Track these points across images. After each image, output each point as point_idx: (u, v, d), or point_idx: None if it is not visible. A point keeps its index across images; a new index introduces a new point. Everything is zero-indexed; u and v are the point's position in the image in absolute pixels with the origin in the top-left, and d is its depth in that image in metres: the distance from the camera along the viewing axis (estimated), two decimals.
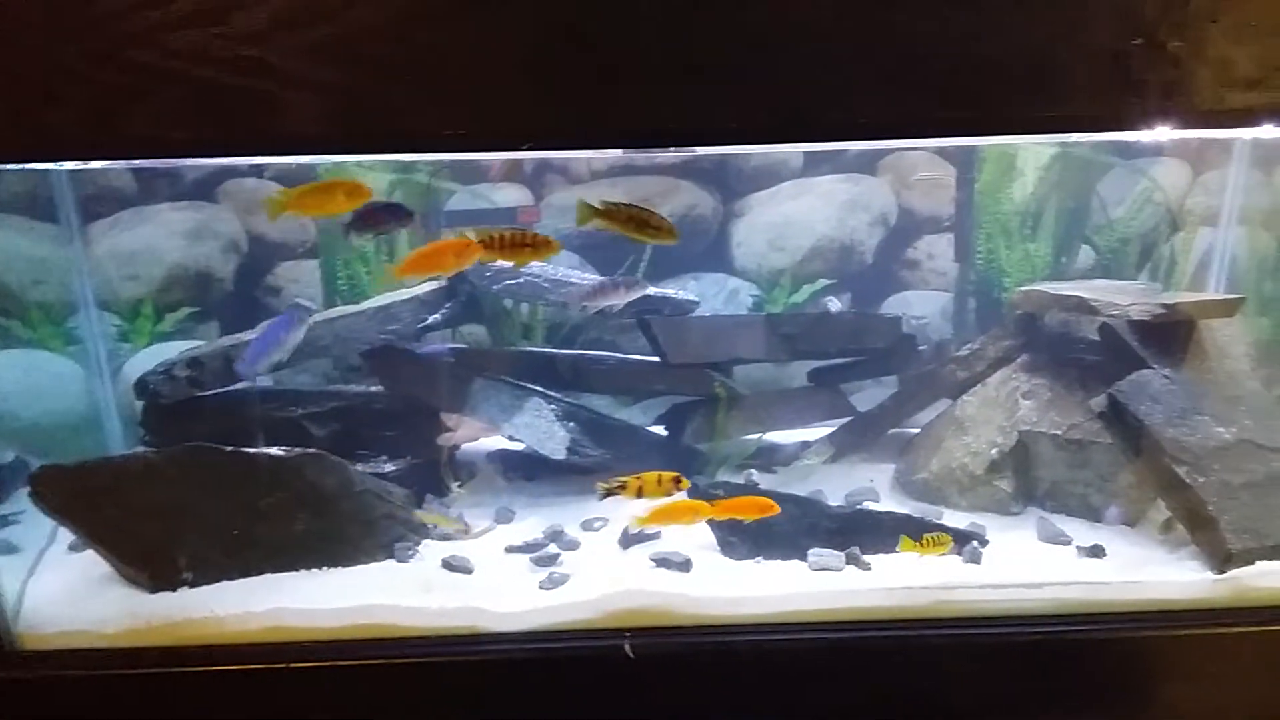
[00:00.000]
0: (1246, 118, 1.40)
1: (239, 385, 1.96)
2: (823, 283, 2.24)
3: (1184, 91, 1.33)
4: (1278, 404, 1.91)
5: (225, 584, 1.77)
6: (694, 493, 1.87)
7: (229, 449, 1.77)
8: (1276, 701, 1.80)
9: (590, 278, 2.07)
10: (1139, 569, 1.80)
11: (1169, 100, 1.33)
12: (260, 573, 1.79)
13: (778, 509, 1.76)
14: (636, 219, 1.63)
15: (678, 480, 1.72)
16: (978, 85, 1.33)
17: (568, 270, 2.09)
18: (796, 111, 1.35)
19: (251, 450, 1.79)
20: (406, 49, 1.29)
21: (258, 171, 2.13)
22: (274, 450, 1.79)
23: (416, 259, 1.73)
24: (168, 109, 1.32)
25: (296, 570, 1.80)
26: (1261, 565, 1.75)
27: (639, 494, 1.72)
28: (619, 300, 1.89)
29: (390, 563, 1.85)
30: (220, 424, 1.93)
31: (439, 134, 1.32)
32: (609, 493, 1.73)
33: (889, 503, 2.04)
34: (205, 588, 1.75)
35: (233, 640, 1.69)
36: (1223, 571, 1.75)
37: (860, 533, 1.85)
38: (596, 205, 1.63)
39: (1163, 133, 1.48)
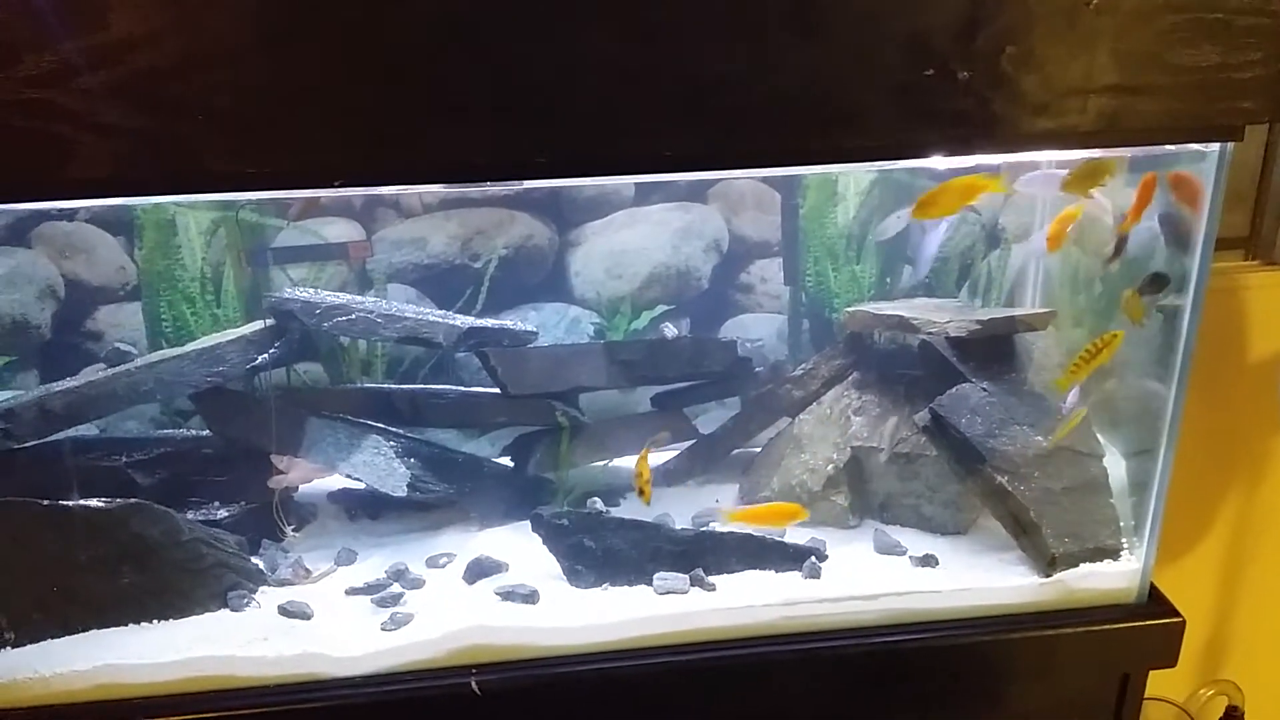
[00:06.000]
0: (1039, 142, 1.47)
1: (59, 435, 1.88)
2: (662, 308, 2.27)
3: (977, 119, 1.39)
4: (1092, 411, 2.00)
5: (50, 642, 1.69)
6: (536, 523, 1.87)
7: (45, 503, 1.69)
8: (1107, 694, 1.88)
9: (427, 312, 2.05)
10: (970, 576, 1.86)
11: (963, 128, 1.40)
12: (86, 629, 1.72)
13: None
14: None
15: None
16: (772, 118, 1.37)
17: (402, 305, 2.07)
18: (599, 146, 1.37)
19: (70, 503, 1.71)
20: (204, 88, 1.26)
21: (69, 215, 2.05)
22: (94, 502, 1.72)
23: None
24: None
25: (125, 625, 1.73)
26: (1085, 567, 1.83)
27: None
28: None
29: (224, 612, 1.78)
30: (39, 477, 1.84)
31: (242, 173, 1.30)
32: None
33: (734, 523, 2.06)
34: (28, 647, 1.67)
35: (59, 700, 1.62)
36: (1048, 575, 1.82)
37: (705, 554, 1.87)
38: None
39: (960, 160, 1.55)
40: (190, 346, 1.98)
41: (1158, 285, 1.75)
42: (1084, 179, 1.71)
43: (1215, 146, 1.58)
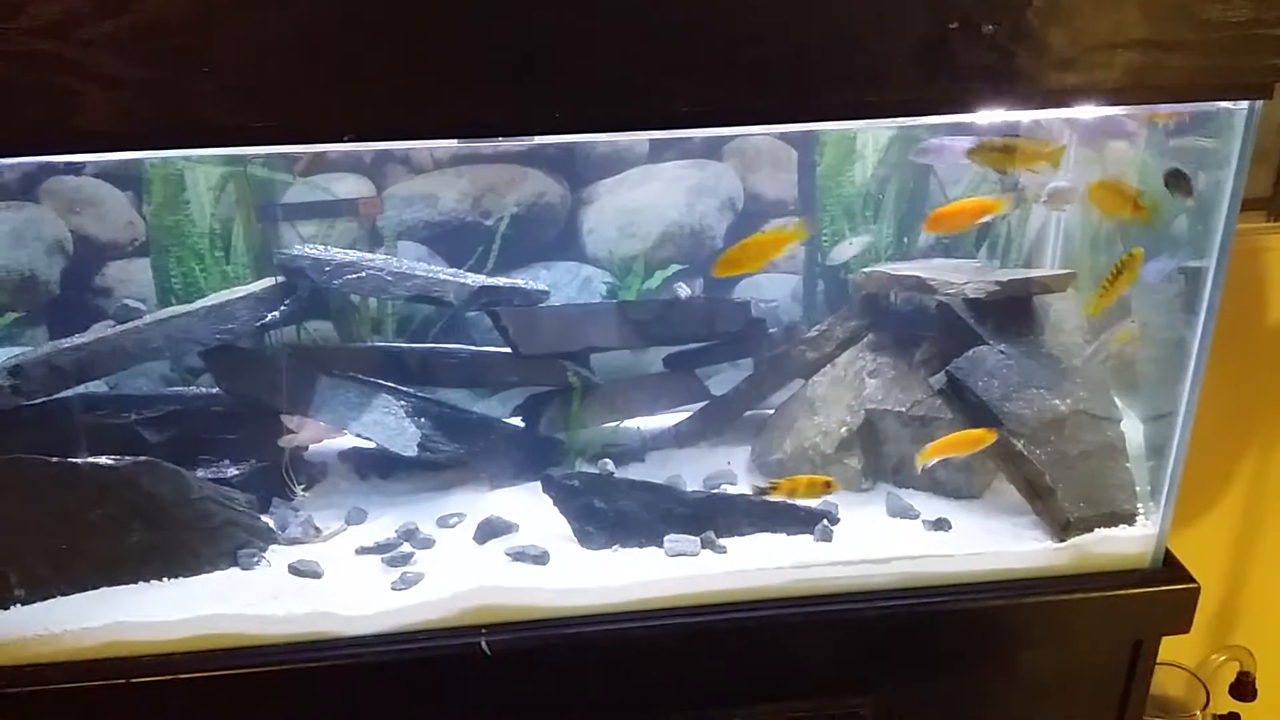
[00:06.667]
0: (1064, 98, 1.44)
1: (68, 392, 1.87)
2: (675, 268, 2.24)
3: (1002, 74, 1.36)
4: (1110, 375, 1.98)
5: (60, 600, 1.69)
6: (547, 484, 1.87)
7: (54, 460, 1.69)
8: (1119, 660, 1.88)
9: (438, 270, 2.03)
10: (984, 540, 1.85)
11: (988, 83, 1.36)
12: (96, 587, 1.72)
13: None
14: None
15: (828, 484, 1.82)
16: (792, 72, 1.34)
17: (413, 263, 2.05)
18: (615, 101, 1.34)
19: (79, 460, 1.71)
20: (213, 41, 1.24)
21: (77, 169, 2.03)
22: (103, 460, 1.71)
23: None
24: None
25: (135, 583, 1.73)
26: (1100, 532, 1.82)
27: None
28: None
29: (234, 570, 1.78)
30: (48, 434, 1.83)
31: (249, 127, 1.27)
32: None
33: (746, 485, 2.05)
34: (39, 604, 1.67)
35: (70, 657, 1.62)
36: (1063, 540, 1.81)
37: (716, 517, 1.86)
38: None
39: (984, 115, 1.52)
40: (199, 303, 1.97)
41: (1179, 183, 1.71)
42: (1012, 155, 1.68)
43: (1244, 104, 1.54)
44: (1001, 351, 1.90)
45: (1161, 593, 1.81)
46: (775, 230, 1.73)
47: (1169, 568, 1.84)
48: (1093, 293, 1.78)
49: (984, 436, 1.81)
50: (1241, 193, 1.60)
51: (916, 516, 1.92)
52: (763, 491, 1.85)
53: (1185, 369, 1.74)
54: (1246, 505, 2.64)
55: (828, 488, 1.82)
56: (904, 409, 2.00)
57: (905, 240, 2.25)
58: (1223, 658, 2.75)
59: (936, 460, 1.85)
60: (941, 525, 1.89)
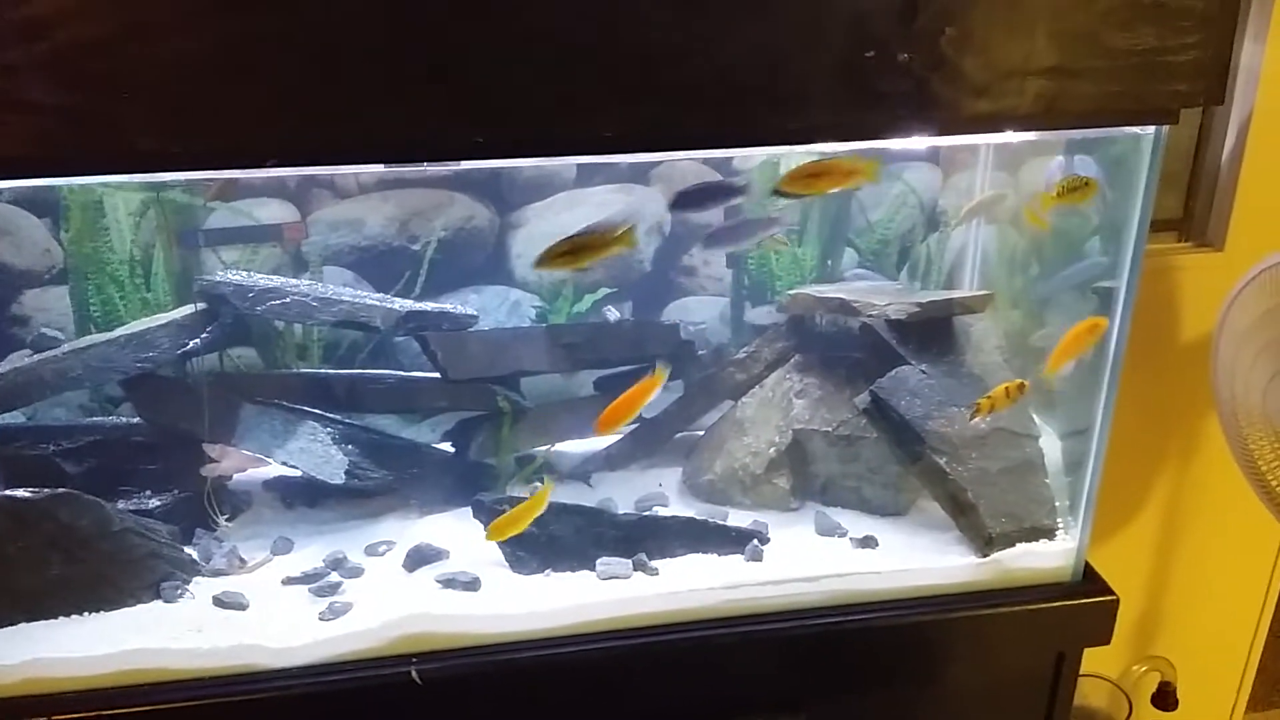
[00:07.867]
0: (978, 124, 1.48)
1: None
2: (604, 291, 2.25)
3: (918, 101, 1.39)
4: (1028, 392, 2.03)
5: None
6: (478, 509, 1.86)
7: None
8: (1043, 672, 1.91)
9: (364, 295, 2.02)
10: (909, 556, 1.88)
11: (904, 110, 1.40)
12: (15, 622, 1.67)
13: None
14: None
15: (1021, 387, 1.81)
16: (716, 99, 1.36)
17: (339, 288, 2.04)
18: (539, 126, 1.35)
19: None
20: (132, 64, 1.22)
21: None
22: (21, 492, 1.67)
23: None
24: None
25: (55, 618, 1.69)
26: (1021, 547, 1.85)
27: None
28: None
29: (157, 603, 1.75)
30: None
31: (171, 152, 1.26)
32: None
33: (678, 506, 2.06)
34: None
35: None
36: (985, 555, 1.84)
37: (647, 539, 1.87)
38: None
39: (904, 141, 1.55)
40: (119, 332, 1.94)
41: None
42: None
43: (1150, 129, 1.59)
44: (923, 371, 1.93)
45: (1082, 605, 1.85)
46: (641, 384, 1.79)
47: (1089, 581, 1.88)
48: (1040, 197, 1.77)
49: (1098, 324, 1.80)
50: (1150, 214, 1.65)
51: (844, 535, 1.95)
52: (972, 415, 1.81)
53: (1100, 386, 1.79)
54: (1164, 518, 2.71)
55: (1021, 390, 1.81)
56: (830, 428, 2.02)
57: (829, 262, 2.29)
58: (1144, 668, 2.81)
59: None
60: (869, 543, 1.91)
